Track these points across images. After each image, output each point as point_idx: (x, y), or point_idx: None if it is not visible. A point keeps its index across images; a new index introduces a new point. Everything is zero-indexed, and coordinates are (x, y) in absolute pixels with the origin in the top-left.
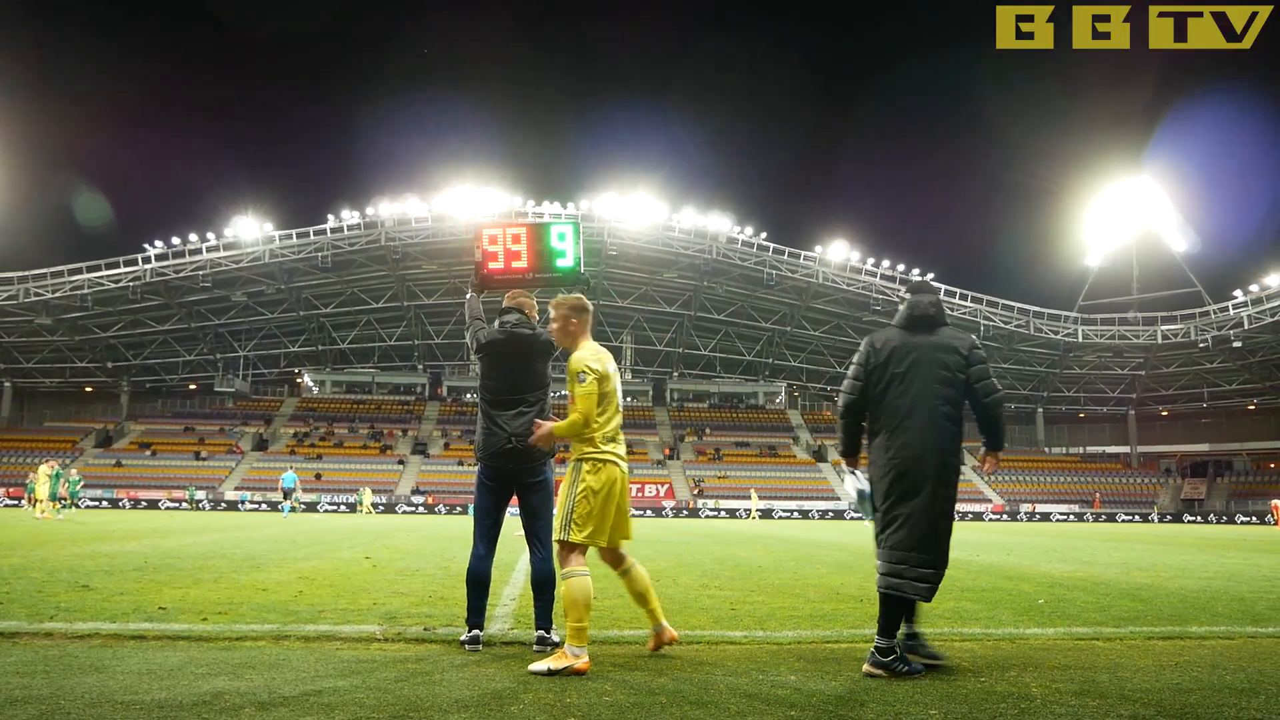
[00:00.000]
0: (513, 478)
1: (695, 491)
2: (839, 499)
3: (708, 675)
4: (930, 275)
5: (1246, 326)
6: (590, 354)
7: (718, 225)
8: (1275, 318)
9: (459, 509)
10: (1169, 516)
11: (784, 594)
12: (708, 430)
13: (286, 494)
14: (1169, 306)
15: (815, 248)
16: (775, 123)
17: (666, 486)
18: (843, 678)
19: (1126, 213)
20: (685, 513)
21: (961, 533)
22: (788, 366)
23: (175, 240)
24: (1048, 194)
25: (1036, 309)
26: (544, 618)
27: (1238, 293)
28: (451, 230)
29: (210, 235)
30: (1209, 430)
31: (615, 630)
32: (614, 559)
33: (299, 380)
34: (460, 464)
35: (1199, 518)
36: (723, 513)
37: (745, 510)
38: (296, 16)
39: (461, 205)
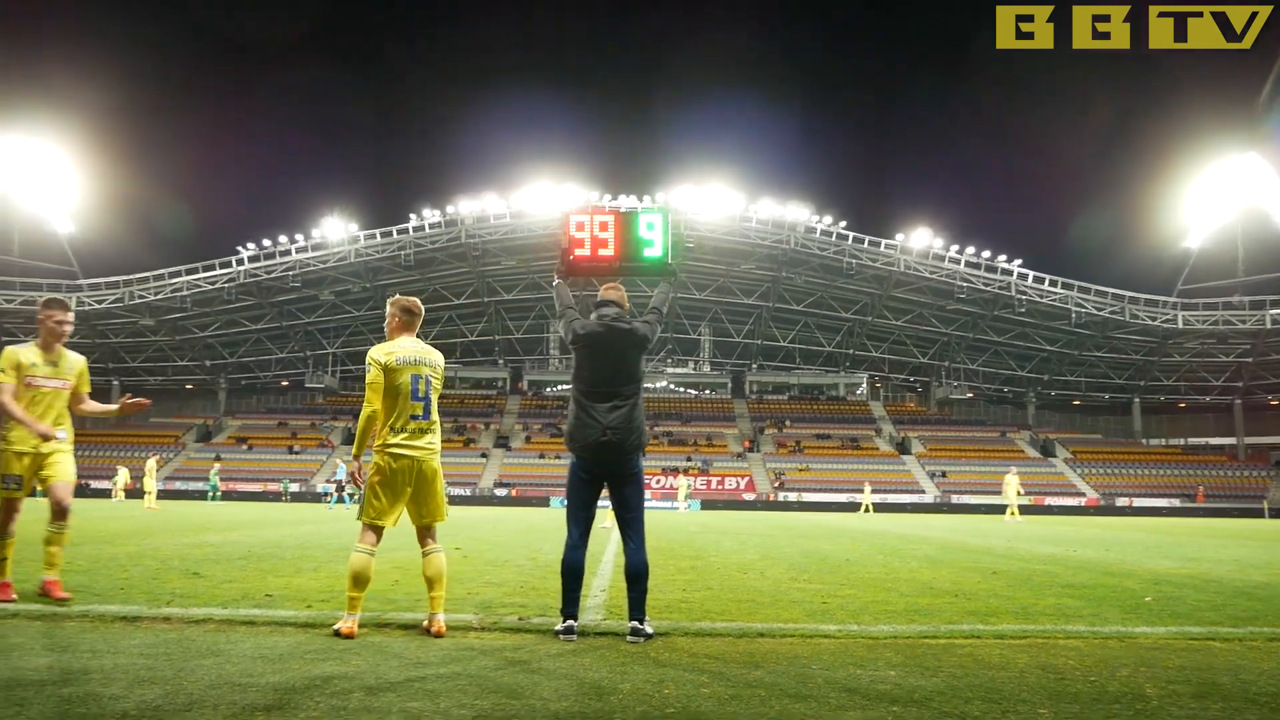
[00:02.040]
0: (606, 470)
1: (776, 484)
2: (923, 491)
3: (804, 669)
4: (1017, 261)
5: None
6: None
7: (795, 215)
8: None
9: (541, 501)
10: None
11: (875, 588)
12: (788, 422)
13: (340, 486)
14: (1279, 289)
15: (896, 236)
16: (853, 110)
17: (747, 479)
18: (944, 674)
19: (1230, 191)
20: (766, 505)
21: (1056, 527)
22: (869, 357)
23: (266, 242)
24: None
25: (1132, 294)
26: (637, 608)
27: None
28: (529, 226)
29: (299, 237)
30: None
31: (707, 622)
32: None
33: None
34: (541, 456)
35: None
36: (815, 505)
37: (857, 504)
38: (381, 21)
39: (539, 201)
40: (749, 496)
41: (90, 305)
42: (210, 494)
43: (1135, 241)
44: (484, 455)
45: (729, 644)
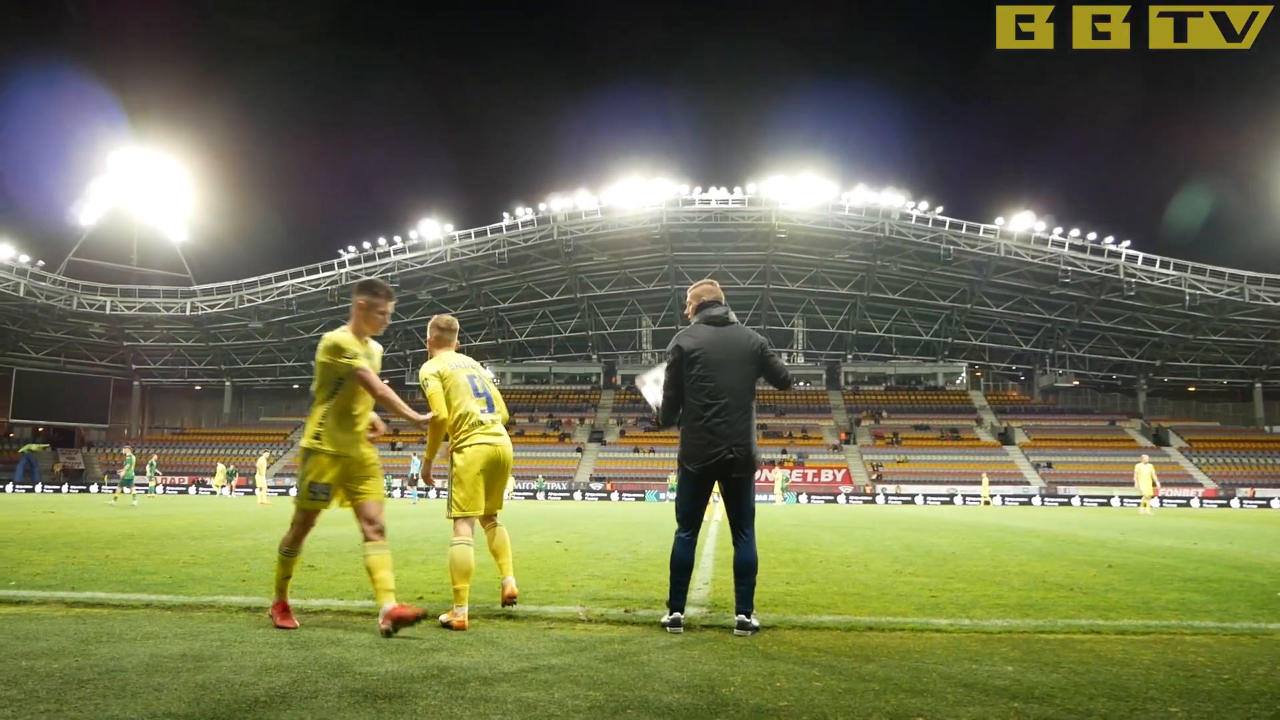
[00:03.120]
0: (724, 475)
1: (874, 476)
2: (1029, 483)
3: (918, 663)
4: (1125, 242)
5: None
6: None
7: (890, 201)
8: None
9: (636, 494)
10: None
11: (984, 581)
12: (885, 413)
13: (413, 480)
14: None
15: (996, 220)
16: (948, 94)
17: (843, 471)
18: (1064, 669)
19: None
20: (863, 498)
21: (1173, 519)
22: (968, 345)
23: (366, 245)
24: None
25: (1252, 274)
26: (745, 602)
27: None
28: (620, 221)
29: (397, 238)
30: None
31: (814, 615)
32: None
33: None
34: (635, 450)
35: None
36: (919, 498)
37: (978, 497)
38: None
39: (630, 196)
40: (846, 489)
41: (203, 309)
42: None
43: (1254, 218)
44: (579, 450)
45: (838, 637)
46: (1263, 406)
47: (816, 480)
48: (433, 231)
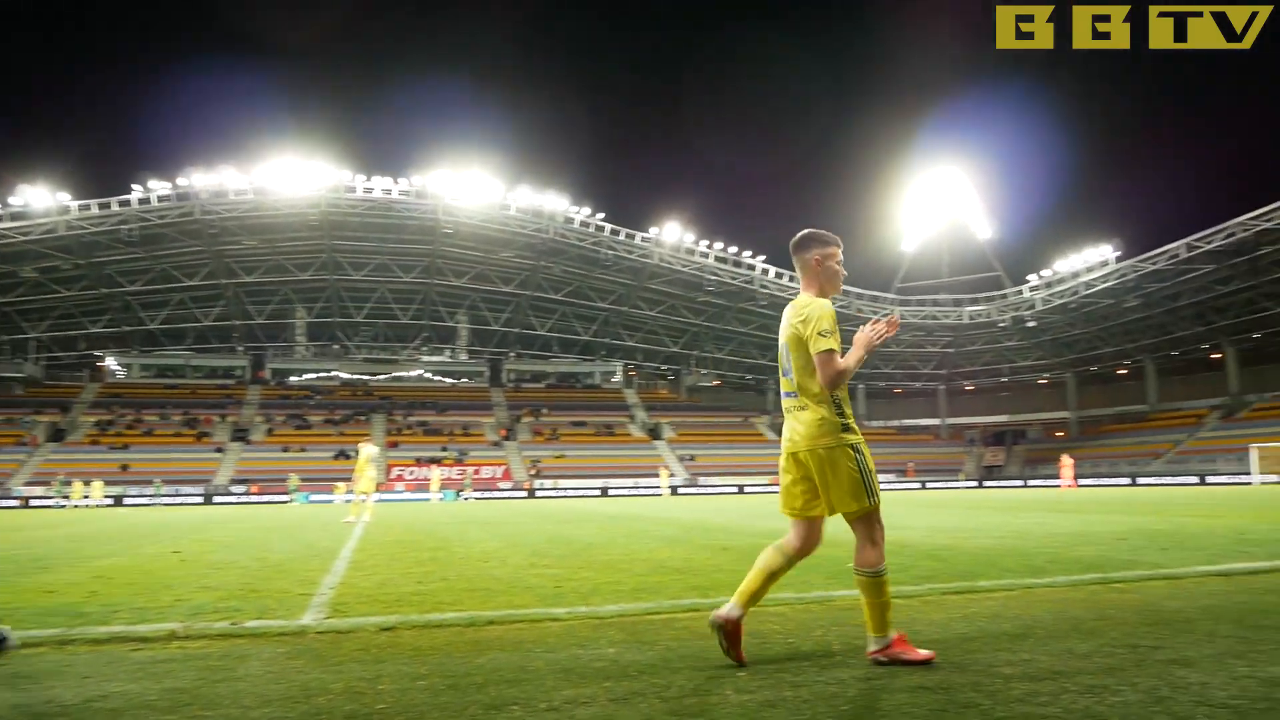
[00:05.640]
0: None
1: (533, 472)
2: (674, 475)
3: (528, 653)
4: (760, 257)
5: (1038, 308)
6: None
7: (554, 205)
8: (1062, 300)
9: (283, 498)
10: (974, 482)
11: (611, 569)
12: (545, 410)
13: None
14: (974, 289)
15: (651, 229)
16: (610, 103)
17: (503, 468)
18: (659, 647)
19: (938, 201)
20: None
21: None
22: (624, 346)
23: None
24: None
25: (858, 291)
26: None
27: (1031, 277)
28: (274, 204)
29: None
30: (1008, 403)
31: (437, 614)
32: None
33: (101, 364)
34: (285, 450)
35: (999, 482)
36: (575, 492)
37: (658, 489)
38: None
39: (285, 178)
40: (505, 485)
41: None
42: None
43: (863, 242)
44: (219, 450)
45: (457, 634)
46: (864, 404)
47: (477, 477)
48: (42, 199)
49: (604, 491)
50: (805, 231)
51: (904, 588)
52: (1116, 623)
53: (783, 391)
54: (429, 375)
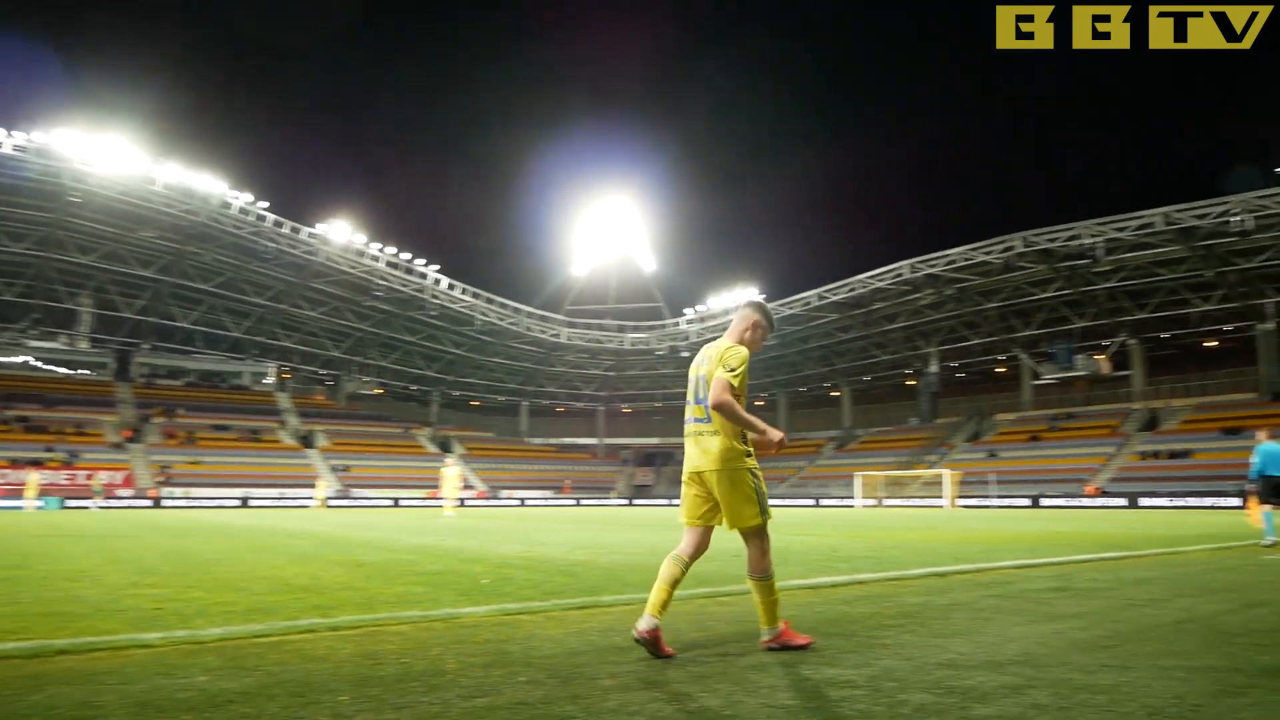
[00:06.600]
0: None
1: (161, 479)
2: (329, 486)
3: (100, 684)
4: (434, 266)
5: (691, 339)
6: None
7: (210, 186)
8: (712, 335)
9: None
10: (625, 500)
11: (226, 589)
12: (181, 410)
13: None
14: (638, 317)
15: (318, 225)
16: (288, 91)
17: (124, 474)
18: (260, 673)
19: (609, 229)
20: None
21: (430, 520)
22: (280, 346)
23: None
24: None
25: (530, 309)
26: None
27: (688, 310)
28: None
29: None
30: (659, 426)
31: (91, 637)
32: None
33: None
34: None
35: (647, 500)
36: (211, 501)
37: (310, 500)
38: None
39: None
40: (125, 493)
41: None
42: None
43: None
44: None
45: (13, 668)
46: (527, 421)
47: (88, 484)
48: None
49: (244, 502)
50: (768, 304)
51: (532, 603)
52: (715, 634)
53: (692, 417)
54: (37, 364)
